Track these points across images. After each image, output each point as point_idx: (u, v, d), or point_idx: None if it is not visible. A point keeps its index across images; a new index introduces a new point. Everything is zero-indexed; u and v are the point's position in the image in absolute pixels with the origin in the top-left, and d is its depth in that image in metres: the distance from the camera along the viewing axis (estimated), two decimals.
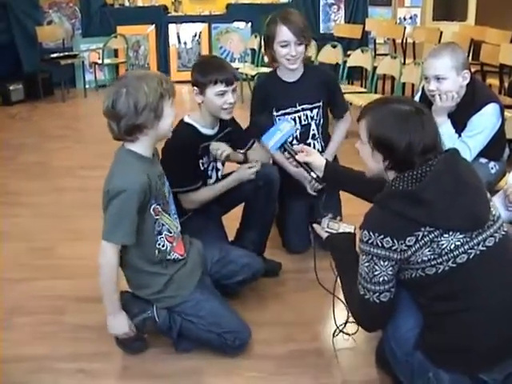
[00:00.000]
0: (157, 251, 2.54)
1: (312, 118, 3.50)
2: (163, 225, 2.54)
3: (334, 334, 2.74)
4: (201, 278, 2.69)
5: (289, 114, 3.46)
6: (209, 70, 2.94)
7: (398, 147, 1.99)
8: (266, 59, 8.56)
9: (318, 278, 2.64)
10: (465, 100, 3.17)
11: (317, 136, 3.55)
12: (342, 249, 2.36)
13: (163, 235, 2.55)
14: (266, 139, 2.71)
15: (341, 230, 2.44)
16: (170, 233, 2.58)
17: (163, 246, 2.55)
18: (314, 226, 2.51)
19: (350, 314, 2.57)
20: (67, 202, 4.52)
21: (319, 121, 3.53)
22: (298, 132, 3.49)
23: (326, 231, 2.46)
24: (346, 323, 2.69)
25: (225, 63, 3.08)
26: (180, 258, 2.63)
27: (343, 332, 2.72)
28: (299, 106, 3.46)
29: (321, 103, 3.49)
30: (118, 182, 2.40)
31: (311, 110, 3.48)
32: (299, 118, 3.48)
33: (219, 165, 3.20)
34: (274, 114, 3.45)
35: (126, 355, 2.66)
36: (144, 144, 2.46)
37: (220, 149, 3.02)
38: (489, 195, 2.07)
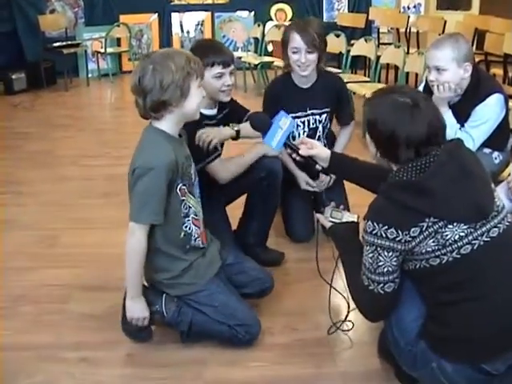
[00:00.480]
0: (182, 233, 2.53)
1: (320, 121, 3.58)
2: (190, 207, 2.54)
3: (328, 331, 2.73)
4: (218, 272, 2.69)
5: (299, 117, 3.51)
6: (205, 52, 2.92)
7: (383, 134, 2.02)
8: (269, 48, 8.60)
9: (319, 268, 2.64)
10: (469, 90, 3.17)
11: (321, 137, 3.62)
12: (345, 238, 2.36)
13: (190, 218, 2.54)
14: (268, 140, 2.65)
15: (344, 220, 2.44)
16: (196, 216, 2.58)
17: (189, 228, 2.55)
18: (317, 215, 2.51)
19: (349, 310, 2.60)
20: (71, 190, 4.53)
21: (326, 124, 3.62)
22: (305, 134, 3.53)
23: (330, 221, 2.46)
24: (344, 320, 2.70)
25: (221, 45, 3.09)
26: (202, 246, 2.63)
27: (339, 329, 2.73)
28: (309, 110, 3.54)
29: (329, 109, 3.57)
30: (146, 159, 2.39)
31: (320, 114, 3.56)
32: (308, 121, 3.56)
33: (218, 145, 3.20)
34: (280, 111, 3.46)
35: (130, 344, 2.68)
36: (170, 122, 2.44)
37: (207, 138, 2.94)
38: (493, 185, 2.07)
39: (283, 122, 2.65)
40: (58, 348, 2.66)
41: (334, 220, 2.45)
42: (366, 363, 2.55)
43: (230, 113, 3.23)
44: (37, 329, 2.80)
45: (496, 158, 3.33)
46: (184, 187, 2.49)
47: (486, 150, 3.29)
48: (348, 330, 2.73)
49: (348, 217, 2.45)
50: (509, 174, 3.11)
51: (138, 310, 2.55)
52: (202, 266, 2.62)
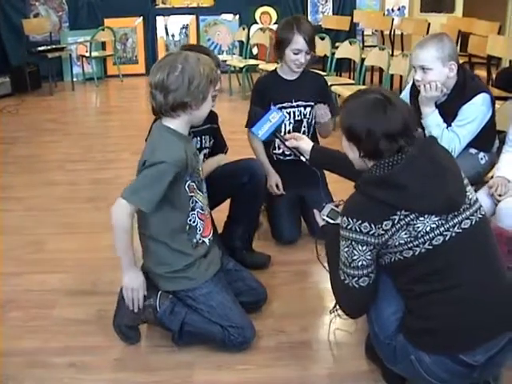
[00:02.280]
0: (187, 227, 2.57)
1: (305, 115, 3.66)
2: (197, 202, 2.58)
3: (330, 311, 2.79)
4: (217, 273, 2.70)
5: (285, 108, 3.60)
6: None
7: (360, 134, 2.06)
8: (253, 51, 8.60)
9: (319, 256, 2.63)
10: (456, 90, 3.20)
11: (306, 134, 3.65)
12: (334, 238, 2.39)
13: (196, 212, 2.58)
14: (256, 130, 2.86)
15: (338, 221, 2.47)
16: (203, 210, 2.62)
17: (194, 221, 2.59)
18: (315, 211, 2.57)
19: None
20: (58, 195, 4.52)
21: (311, 120, 3.68)
22: (291, 126, 3.64)
23: (324, 219, 2.51)
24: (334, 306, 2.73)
25: (208, 51, 3.10)
26: (206, 240, 2.66)
27: (339, 314, 2.77)
28: (295, 101, 3.63)
29: (314, 103, 3.65)
30: (158, 154, 2.41)
31: (305, 107, 3.64)
32: (294, 113, 3.64)
33: (201, 156, 3.23)
34: (272, 107, 3.52)
35: (118, 349, 2.67)
36: (182, 122, 2.50)
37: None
38: (466, 180, 2.10)
39: (273, 116, 2.86)
40: (46, 353, 2.65)
41: (328, 220, 2.50)
42: (354, 364, 2.56)
43: (215, 130, 3.32)
44: (25, 334, 2.79)
45: (482, 159, 3.35)
46: (193, 184, 2.54)
47: (472, 151, 3.31)
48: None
49: None
50: (491, 177, 3.13)
51: (133, 278, 2.55)
52: (204, 265, 2.65)
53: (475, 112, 3.19)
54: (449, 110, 3.22)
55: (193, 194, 2.55)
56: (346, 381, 2.49)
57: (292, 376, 2.52)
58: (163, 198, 2.44)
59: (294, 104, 3.63)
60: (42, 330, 2.82)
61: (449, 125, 3.22)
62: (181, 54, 2.47)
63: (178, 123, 2.49)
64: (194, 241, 2.61)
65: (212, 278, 2.66)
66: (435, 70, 3.12)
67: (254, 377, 2.51)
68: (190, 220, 2.58)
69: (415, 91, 3.30)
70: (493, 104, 3.26)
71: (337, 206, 2.54)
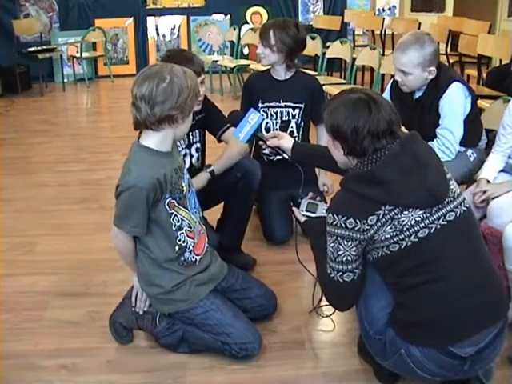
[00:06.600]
0: (177, 247, 2.48)
1: (293, 116, 3.69)
2: (182, 220, 2.49)
3: (310, 312, 2.82)
4: (214, 289, 2.63)
5: (272, 107, 3.66)
6: (176, 63, 2.91)
7: (345, 132, 2.08)
8: (244, 51, 8.61)
9: (300, 258, 2.66)
10: (430, 83, 3.25)
11: (295, 135, 3.69)
12: (317, 231, 2.41)
13: (184, 230, 2.49)
14: (236, 133, 2.91)
15: (318, 213, 2.52)
16: (191, 228, 2.52)
17: (184, 241, 2.49)
18: (294, 209, 2.59)
19: (322, 297, 2.64)
20: (48, 196, 4.50)
21: (299, 122, 3.71)
22: (278, 126, 3.68)
23: (304, 215, 2.53)
24: (319, 301, 2.77)
25: (192, 56, 3.07)
26: (197, 258, 2.57)
27: (317, 312, 2.81)
28: (283, 102, 3.67)
29: (303, 105, 3.69)
30: (128, 178, 2.31)
31: (293, 108, 3.68)
32: (281, 113, 3.68)
33: (193, 151, 3.24)
34: (259, 105, 3.66)
35: (110, 350, 2.66)
36: (163, 138, 2.36)
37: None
38: (449, 175, 2.12)
39: (252, 118, 2.90)
40: (37, 356, 2.64)
41: (308, 214, 2.52)
42: (347, 363, 2.57)
43: (205, 118, 3.25)
44: (15, 337, 2.78)
45: (471, 156, 3.37)
46: (173, 201, 2.42)
47: (461, 149, 3.33)
48: (329, 316, 2.79)
49: (322, 210, 2.51)
50: (474, 181, 3.11)
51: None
52: (198, 282, 2.57)
53: (454, 102, 3.23)
54: (426, 101, 3.29)
55: (173, 211, 2.43)
56: (339, 380, 2.49)
57: (285, 375, 2.51)
58: (150, 218, 2.41)
59: (282, 104, 3.66)
60: (32, 332, 2.81)
61: (430, 117, 3.26)
62: (166, 65, 2.35)
63: (159, 139, 2.36)
64: (182, 259, 2.52)
65: (207, 295, 2.59)
66: (415, 74, 3.17)
67: (247, 377, 2.51)
68: (180, 240, 2.48)
69: (395, 90, 3.34)
70: (469, 90, 3.30)
71: (313, 199, 2.56)
